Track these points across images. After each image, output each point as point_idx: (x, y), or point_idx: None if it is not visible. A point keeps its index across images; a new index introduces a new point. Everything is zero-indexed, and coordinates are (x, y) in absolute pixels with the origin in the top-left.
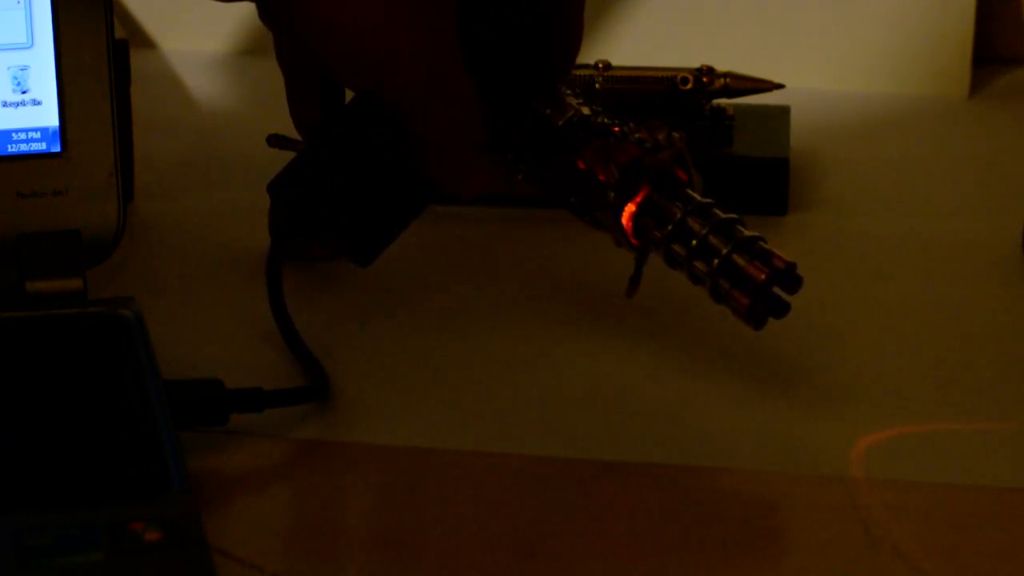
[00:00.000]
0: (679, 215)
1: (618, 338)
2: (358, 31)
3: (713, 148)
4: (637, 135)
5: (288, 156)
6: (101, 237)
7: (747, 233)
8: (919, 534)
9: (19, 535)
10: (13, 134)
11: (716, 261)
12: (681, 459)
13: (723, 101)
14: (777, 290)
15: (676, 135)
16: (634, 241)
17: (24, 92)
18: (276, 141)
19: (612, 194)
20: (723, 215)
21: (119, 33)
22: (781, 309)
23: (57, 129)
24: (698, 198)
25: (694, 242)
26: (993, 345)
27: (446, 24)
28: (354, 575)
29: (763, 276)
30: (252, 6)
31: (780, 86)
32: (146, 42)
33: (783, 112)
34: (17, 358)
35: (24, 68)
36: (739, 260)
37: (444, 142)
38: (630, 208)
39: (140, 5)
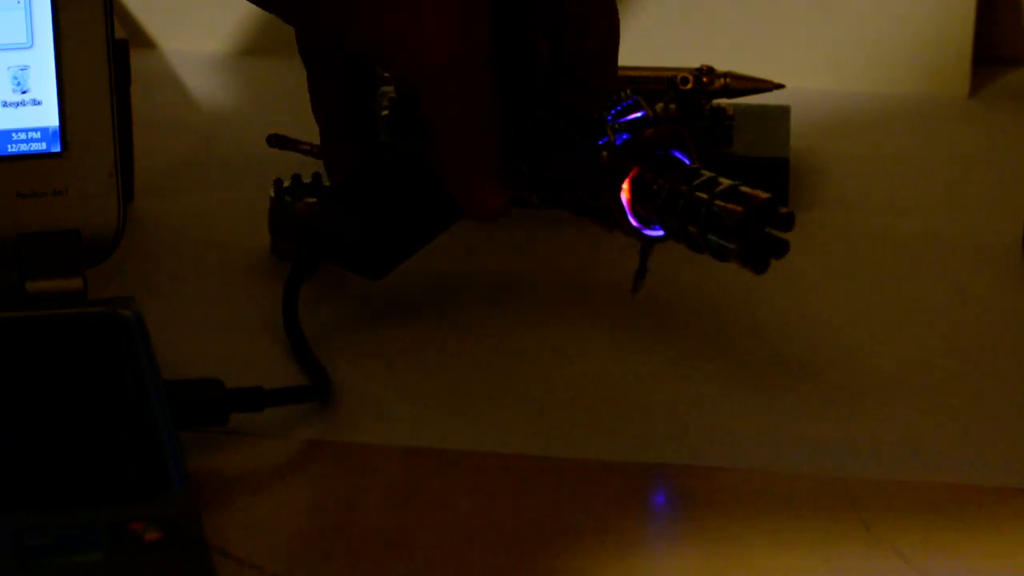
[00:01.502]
0: (667, 185)
1: (618, 338)
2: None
3: (713, 148)
4: (635, 109)
5: (288, 155)
6: (101, 237)
7: (727, 183)
8: (919, 534)
9: (19, 535)
10: (13, 134)
11: (701, 213)
12: (681, 459)
13: (723, 101)
14: (772, 231)
15: (672, 106)
16: (635, 222)
17: (24, 92)
18: (276, 141)
19: (606, 153)
20: (706, 174)
21: (119, 33)
22: (780, 247)
23: (57, 129)
24: (687, 165)
25: (682, 202)
26: (993, 345)
27: (481, 14)
28: (354, 575)
29: (740, 210)
30: (251, 5)
31: (780, 86)
32: (146, 42)
33: (783, 112)
34: (17, 358)
35: (24, 68)
36: (718, 204)
37: (458, 131)
38: (627, 188)
39: (140, 5)
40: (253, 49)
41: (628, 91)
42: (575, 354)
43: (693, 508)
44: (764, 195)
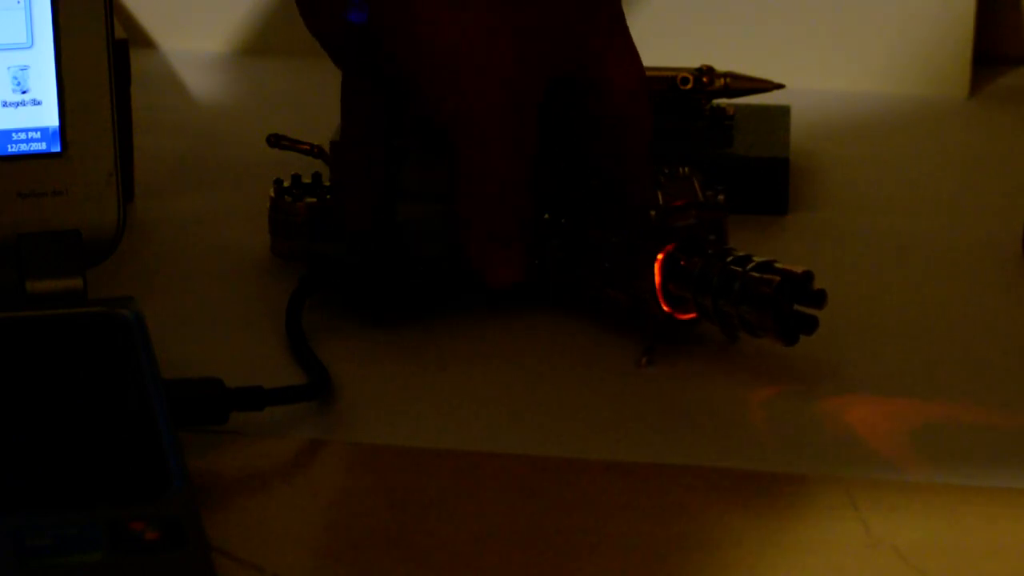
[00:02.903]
0: (700, 261)
1: (619, 338)
2: (463, 48)
3: (713, 148)
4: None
5: (288, 155)
6: (101, 237)
7: (759, 259)
8: (919, 534)
9: (19, 535)
10: (13, 134)
11: (735, 286)
12: (680, 459)
13: (723, 101)
14: (802, 308)
15: (721, 196)
16: (664, 305)
17: (24, 92)
18: (276, 141)
19: (653, 213)
20: (739, 252)
21: (119, 33)
22: (810, 324)
23: (57, 129)
24: (720, 247)
25: (715, 280)
26: (993, 345)
27: (536, 84)
28: (354, 575)
29: (777, 280)
30: (251, 5)
31: (780, 86)
32: (146, 42)
33: (783, 112)
34: (17, 358)
35: (24, 68)
36: (753, 275)
37: (490, 180)
38: (658, 268)
39: (140, 5)
40: (253, 49)
41: (685, 169)
42: (576, 354)
43: (692, 508)
44: (800, 270)
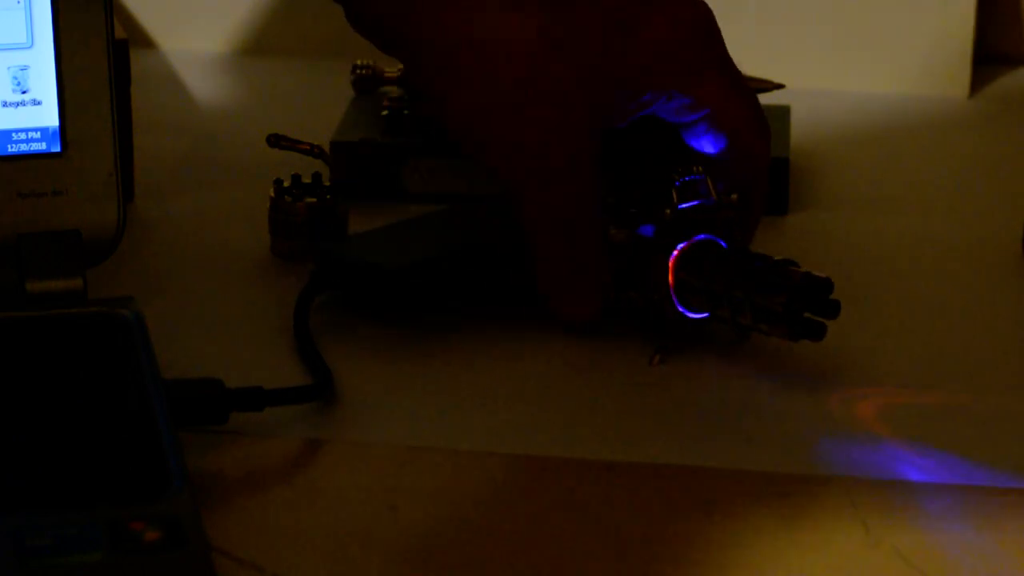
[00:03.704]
0: (711, 267)
1: (618, 338)
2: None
3: None
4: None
5: (288, 155)
6: (101, 237)
7: (773, 259)
8: (919, 534)
9: (19, 535)
10: (13, 134)
11: (750, 284)
12: (681, 459)
13: None
14: (812, 316)
15: (734, 196)
16: (677, 305)
17: (24, 92)
18: (276, 141)
19: (668, 211)
20: (751, 253)
21: (119, 33)
22: (818, 330)
23: (57, 129)
24: (731, 248)
25: (727, 280)
26: (993, 345)
27: (583, 125)
28: (353, 575)
29: (795, 274)
30: (251, 5)
31: (780, 86)
32: (146, 42)
33: (783, 112)
34: (17, 358)
35: (24, 68)
36: (767, 273)
37: (549, 244)
38: (672, 266)
39: (140, 5)
40: (253, 49)
41: (699, 168)
42: (578, 354)
43: (693, 508)
44: (821, 276)
